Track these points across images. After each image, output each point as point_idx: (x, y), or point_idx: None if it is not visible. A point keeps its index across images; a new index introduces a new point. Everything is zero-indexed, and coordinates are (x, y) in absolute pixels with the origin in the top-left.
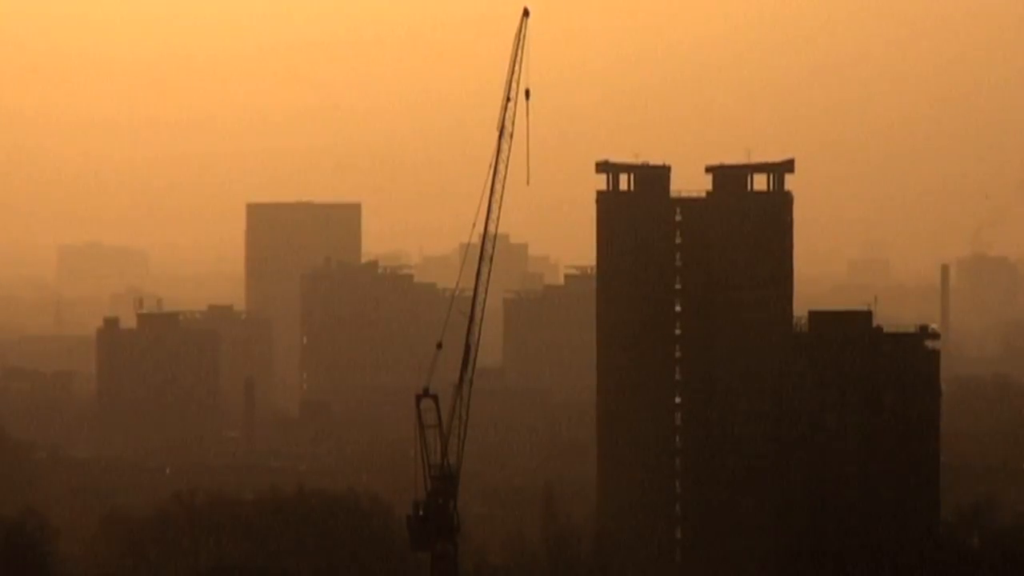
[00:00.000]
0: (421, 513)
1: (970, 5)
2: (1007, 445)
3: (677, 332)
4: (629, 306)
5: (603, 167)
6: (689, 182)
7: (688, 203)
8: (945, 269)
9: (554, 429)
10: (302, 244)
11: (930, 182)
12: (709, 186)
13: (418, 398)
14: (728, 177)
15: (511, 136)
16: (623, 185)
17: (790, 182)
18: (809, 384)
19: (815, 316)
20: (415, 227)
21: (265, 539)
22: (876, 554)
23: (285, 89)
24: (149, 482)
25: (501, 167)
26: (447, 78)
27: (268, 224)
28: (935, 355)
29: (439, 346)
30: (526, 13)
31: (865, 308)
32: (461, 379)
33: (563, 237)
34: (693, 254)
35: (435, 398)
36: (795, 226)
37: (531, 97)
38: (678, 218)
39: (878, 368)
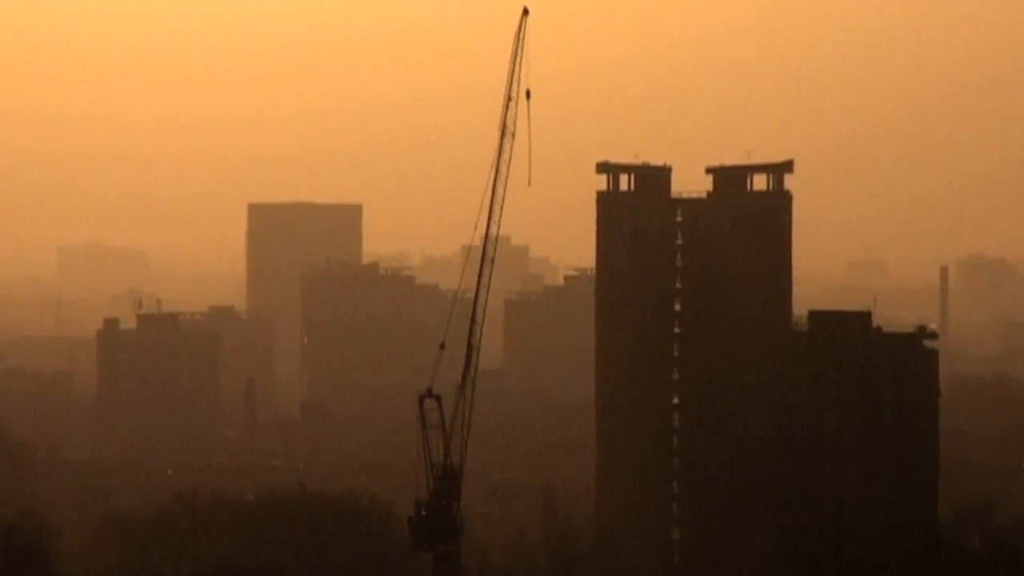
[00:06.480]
0: (424, 513)
1: (970, 5)
2: (1007, 445)
3: (676, 332)
4: (629, 306)
5: (603, 168)
6: (689, 182)
7: (688, 203)
8: (944, 269)
9: (554, 429)
10: (303, 245)
11: (930, 182)
12: (709, 186)
13: (421, 398)
14: (728, 177)
15: (513, 136)
16: (623, 186)
17: (790, 182)
18: (809, 384)
19: (815, 316)
20: (416, 228)
21: (266, 540)
22: (875, 554)
23: (285, 89)
24: (149, 482)
25: (503, 167)
26: (447, 78)
27: (269, 224)
28: (934, 355)
29: (442, 347)
30: (526, 12)
31: (864, 308)
32: (464, 380)
33: (563, 238)
34: (693, 254)
35: (438, 398)
36: (795, 226)
37: (531, 97)
38: (678, 219)
39: (877, 368)
